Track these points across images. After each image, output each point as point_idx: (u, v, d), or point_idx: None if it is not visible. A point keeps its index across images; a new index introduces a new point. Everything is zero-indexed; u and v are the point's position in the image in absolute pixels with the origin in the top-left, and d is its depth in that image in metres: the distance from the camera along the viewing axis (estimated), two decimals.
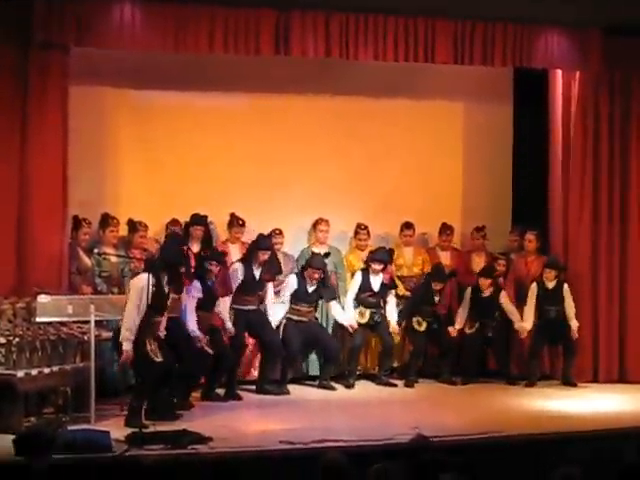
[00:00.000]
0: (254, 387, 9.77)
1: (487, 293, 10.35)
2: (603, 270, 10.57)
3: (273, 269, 9.79)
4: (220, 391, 9.38)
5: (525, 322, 10.29)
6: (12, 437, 6.89)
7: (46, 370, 7.92)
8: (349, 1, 9.57)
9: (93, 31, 9.06)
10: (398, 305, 10.37)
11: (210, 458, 6.75)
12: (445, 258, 10.84)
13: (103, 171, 10.04)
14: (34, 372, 7.81)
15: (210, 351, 8.90)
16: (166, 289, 8.14)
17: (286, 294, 9.89)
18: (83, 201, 9.62)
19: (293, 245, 10.56)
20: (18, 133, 9.10)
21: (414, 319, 10.32)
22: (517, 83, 11.25)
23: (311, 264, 9.89)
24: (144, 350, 7.90)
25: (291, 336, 9.79)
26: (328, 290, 10.04)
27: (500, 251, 10.88)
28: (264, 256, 9.58)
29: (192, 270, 8.96)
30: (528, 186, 11.23)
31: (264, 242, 9.67)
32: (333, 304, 10.08)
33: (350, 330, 10.12)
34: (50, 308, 8.13)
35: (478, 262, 10.76)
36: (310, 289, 9.92)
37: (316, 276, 9.86)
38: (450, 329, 10.33)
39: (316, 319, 10.18)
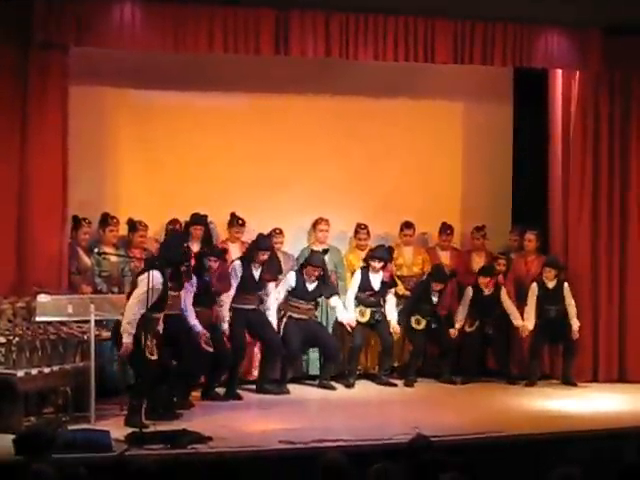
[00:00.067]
0: (254, 387, 9.78)
1: (488, 292, 10.36)
2: (603, 270, 10.57)
3: (274, 269, 9.79)
4: (220, 390, 9.39)
5: (527, 321, 10.29)
6: (12, 437, 6.87)
7: (46, 370, 7.92)
8: (349, 1, 9.57)
9: (93, 31, 9.06)
10: (398, 305, 10.37)
11: (210, 458, 6.75)
12: (445, 258, 10.84)
13: (103, 171, 10.04)
14: (34, 372, 7.81)
15: (210, 349, 8.91)
16: (167, 286, 8.16)
17: (282, 290, 9.89)
18: (83, 201, 9.63)
19: (293, 245, 10.57)
20: (18, 133, 9.10)
21: (413, 318, 10.31)
22: (517, 83, 11.25)
23: (310, 262, 9.90)
24: (141, 347, 7.91)
25: (291, 335, 9.79)
26: (328, 287, 10.05)
27: (500, 251, 10.87)
28: (264, 256, 9.58)
29: (192, 268, 8.98)
30: (528, 186, 11.23)
31: (264, 242, 9.67)
32: (334, 299, 10.07)
33: (348, 329, 10.13)
34: (50, 308, 8.14)
35: (478, 262, 10.75)
36: (310, 287, 9.92)
37: (315, 274, 9.86)
38: (451, 331, 10.34)
39: (315, 317, 10.19)
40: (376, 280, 10.21)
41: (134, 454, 6.86)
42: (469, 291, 10.40)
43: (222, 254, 9.43)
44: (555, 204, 10.75)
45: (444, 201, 11.13)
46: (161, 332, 8.16)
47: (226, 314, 9.40)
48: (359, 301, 10.21)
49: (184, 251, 8.66)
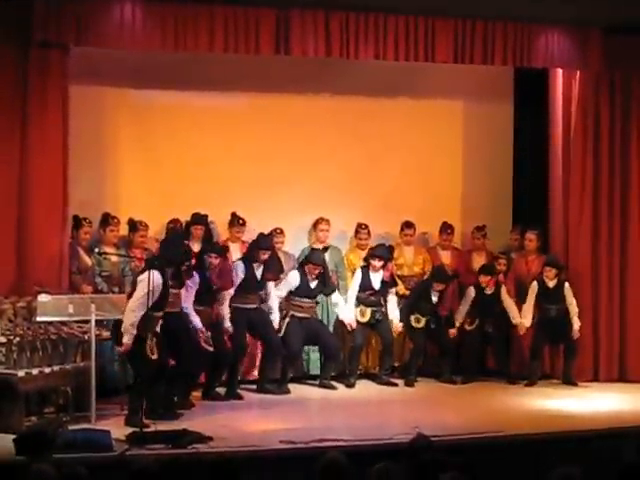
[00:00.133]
0: (255, 386, 9.78)
1: (489, 291, 10.36)
2: (603, 269, 10.57)
3: (275, 268, 9.79)
4: (221, 390, 9.39)
5: (524, 319, 10.30)
6: (13, 437, 6.89)
7: (47, 370, 7.93)
8: (349, 0, 9.57)
9: (93, 31, 9.06)
10: (398, 304, 10.37)
11: (210, 458, 6.74)
12: (446, 257, 10.84)
13: (103, 171, 10.03)
14: (35, 371, 7.82)
15: (210, 348, 8.91)
16: (168, 285, 8.16)
17: (283, 289, 9.90)
18: (83, 201, 9.63)
19: (294, 244, 10.56)
20: (18, 133, 9.10)
21: (412, 317, 10.31)
22: (517, 83, 11.26)
23: (310, 260, 9.91)
24: (142, 346, 7.92)
25: (292, 335, 9.79)
26: (328, 284, 10.05)
27: (500, 250, 10.88)
28: (264, 255, 9.59)
29: (193, 266, 8.98)
30: (528, 185, 11.24)
31: (264, 242, 9.67)
32: (335, 297, 10.08)
33: (349, 329, 10.13)
34: (51, 307, 8.14)
35: (479, 261, 10.75)
36: (312, 284, 9.93)
37: (316, 272, 9.87)
38: (451, 331, 10.34)
39: (316, 314, 10.19)
40: (376, 279, 10.21)
41: (135, 454, 6.87)
42: (471, 291, 10.39)
43: (223, 251, 9.44)
44: (555, 204, 10.75)
45: (444, 201, 11.13)
46: (160, 329, 8.16)
47: (226, 311, 9.40)
48: (359, 301, 10.21)
49: (184, 250, 8.67)
